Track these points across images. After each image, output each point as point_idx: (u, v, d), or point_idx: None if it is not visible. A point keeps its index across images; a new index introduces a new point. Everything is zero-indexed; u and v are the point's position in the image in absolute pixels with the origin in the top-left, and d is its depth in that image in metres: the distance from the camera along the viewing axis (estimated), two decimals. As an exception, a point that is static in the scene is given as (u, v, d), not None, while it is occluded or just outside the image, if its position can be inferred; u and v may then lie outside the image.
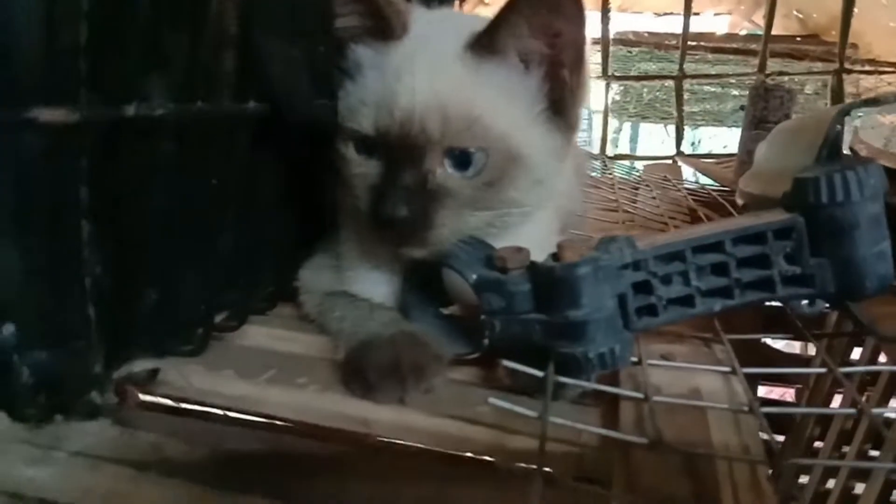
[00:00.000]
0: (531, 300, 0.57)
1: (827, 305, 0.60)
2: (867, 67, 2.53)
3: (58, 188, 0.46)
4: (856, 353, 1.17)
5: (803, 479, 1.21)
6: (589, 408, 0.61)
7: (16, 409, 0.52)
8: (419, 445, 0.55)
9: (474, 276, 0.60)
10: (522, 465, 0.52)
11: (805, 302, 0.59)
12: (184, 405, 0.60)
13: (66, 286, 0.49)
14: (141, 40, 0.49)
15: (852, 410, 0.56)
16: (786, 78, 2.34)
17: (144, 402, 0.59)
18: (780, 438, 1.26)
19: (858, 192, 0.55)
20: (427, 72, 0.65)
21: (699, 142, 3.56)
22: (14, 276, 0.47)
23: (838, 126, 0.67)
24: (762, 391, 1.63)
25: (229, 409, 0.59)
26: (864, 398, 1.02)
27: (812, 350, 1.66)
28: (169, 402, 0.60)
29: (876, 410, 0.54)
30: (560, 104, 0.68)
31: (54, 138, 0.44)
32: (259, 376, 0.65)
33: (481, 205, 0.65)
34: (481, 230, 0.67)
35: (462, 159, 0.64)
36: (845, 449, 1.12)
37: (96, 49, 0.45)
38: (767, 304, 0.62)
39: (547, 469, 0.45)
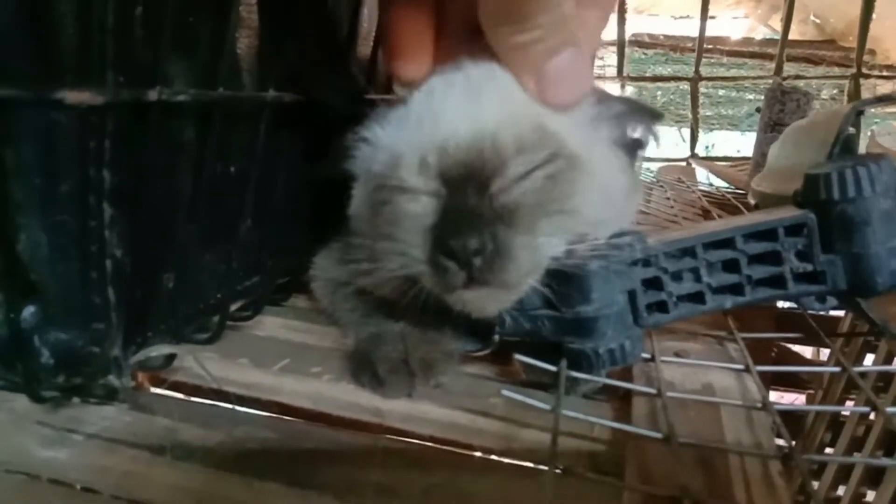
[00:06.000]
0: (542, 296, 0.57)
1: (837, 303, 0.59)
2: (885, 73, 2.51)
3: (82, 170, 0.46)
4: (868, 359, 1.16)
5: (812, 485, 1.20)
6: (601, 402, 0.61)
7: (34, 390, 0.52)
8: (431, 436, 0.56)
9: None
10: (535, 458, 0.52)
11: (815, 299, 0.59)
12: (199, 392, 0.61)
13: (88, 268, 0.49)
14: (168, 24, 0.49)
15: (866, 409, 0.56)
16: (802, 82, 2.32)
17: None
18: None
19: (870, 188, 0.54)
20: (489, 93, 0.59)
21: (713, 146, 3.54)
22: (40, 256, 0.47)
23: (851, 123, 0.66)
24: (773, 396, 1.62)
25: (244, 397, 0.59)
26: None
27: (824, 355, 1.65)
28: (185, 388, 0.61)
29: (891, 409, 0.54)
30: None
31: (80, 120, 0.45)
32: (273, 365, 0.66)
33: (550, 208, 0.56)
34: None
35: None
36: (857, 455, 1.11)
37: (123, 32, 0.45)
38: (781, 305, 0.61)
39: (558, 465, 0.45)
